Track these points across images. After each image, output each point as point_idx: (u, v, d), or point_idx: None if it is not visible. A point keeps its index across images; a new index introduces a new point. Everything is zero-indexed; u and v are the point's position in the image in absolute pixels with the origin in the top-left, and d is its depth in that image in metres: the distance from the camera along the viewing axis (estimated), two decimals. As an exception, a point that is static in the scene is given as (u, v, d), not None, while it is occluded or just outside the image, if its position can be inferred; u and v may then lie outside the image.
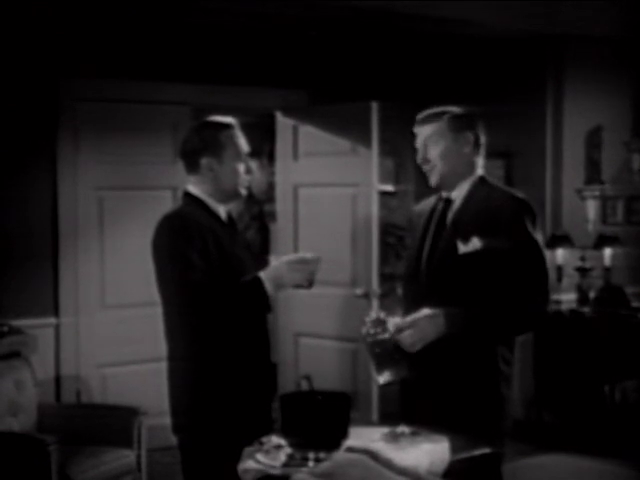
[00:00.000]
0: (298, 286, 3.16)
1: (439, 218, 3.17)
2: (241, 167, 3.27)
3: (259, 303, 3.13)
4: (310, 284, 3.14)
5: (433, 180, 3.19)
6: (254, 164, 3.34)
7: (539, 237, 3.07)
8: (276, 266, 3.12)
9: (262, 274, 3.10)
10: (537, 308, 3.03)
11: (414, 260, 3.17)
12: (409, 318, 2.96)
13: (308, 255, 3.17)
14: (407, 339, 2.92)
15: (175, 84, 5.87)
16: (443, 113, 3.16)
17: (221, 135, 3.23)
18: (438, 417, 2.87)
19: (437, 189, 3.23)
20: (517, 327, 3.09)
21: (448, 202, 3.17)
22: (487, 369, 3.04)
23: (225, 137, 3.23)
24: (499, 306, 2.97)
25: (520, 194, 3.14)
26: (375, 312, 3.10)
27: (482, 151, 3.20)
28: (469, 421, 2.92)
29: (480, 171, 3.19)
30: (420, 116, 3.20)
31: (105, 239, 5.77)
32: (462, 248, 3.02)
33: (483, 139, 3.19)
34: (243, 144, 3.29)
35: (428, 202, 3.30)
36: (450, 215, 3.14)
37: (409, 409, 3.13)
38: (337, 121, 5.88)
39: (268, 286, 3.08)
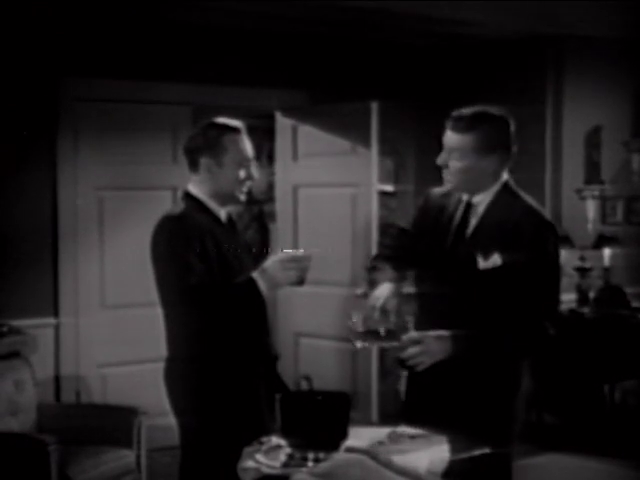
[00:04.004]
0: (290, 284, 3.13)
1: (459, 223, 3.06)
2: (241, 173, 3.23)
3: (254, 303, 3.12)
4: (302, 281, 3.09)
5: (449, 187, 3.06)
6: (254, 165, 3.31)
7: (560, 260, 3.00)
8: (268, 265, 3.09)
9: (255, 274, 3.08)
10: (543, 333, 2.97)
11: (432, 267, 3.09)
12: (417, 334, 2.88)
13: (299, 252, 3.15)
14: (415, 358, 2.87)
15: (175, 84, 5.86)
16: (475, 125, 2.93)
17: (224, 138, 3.20)
18: (445, 419, 2.83)
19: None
20: (522, 351, 3.04)
21: (469, 205, 3.05)
22: (497, 373, 3.02)
23: (228, 140, 3.21)
24: (506, 329, 2.92)
25: (546, 215, 3.03)
26: (382, 300, 3.01)
27: (510, 162, 3.03)
28: (478, 423, 2.90)
29: (505, 176, 3.04)
30: (451, 120, 2.98)
31: (105, 239, 5.76)
32: (482, 263, 2.94)
33: (513, 154, 3.02)
34: (247, 150, 3.25)
35: (446, 197, 3.13)
36: (472, 222, 3.04)
37: (412, 410, 3.12)
38: (337, 121, 5.88)
39: (262, 286, 3.07)
